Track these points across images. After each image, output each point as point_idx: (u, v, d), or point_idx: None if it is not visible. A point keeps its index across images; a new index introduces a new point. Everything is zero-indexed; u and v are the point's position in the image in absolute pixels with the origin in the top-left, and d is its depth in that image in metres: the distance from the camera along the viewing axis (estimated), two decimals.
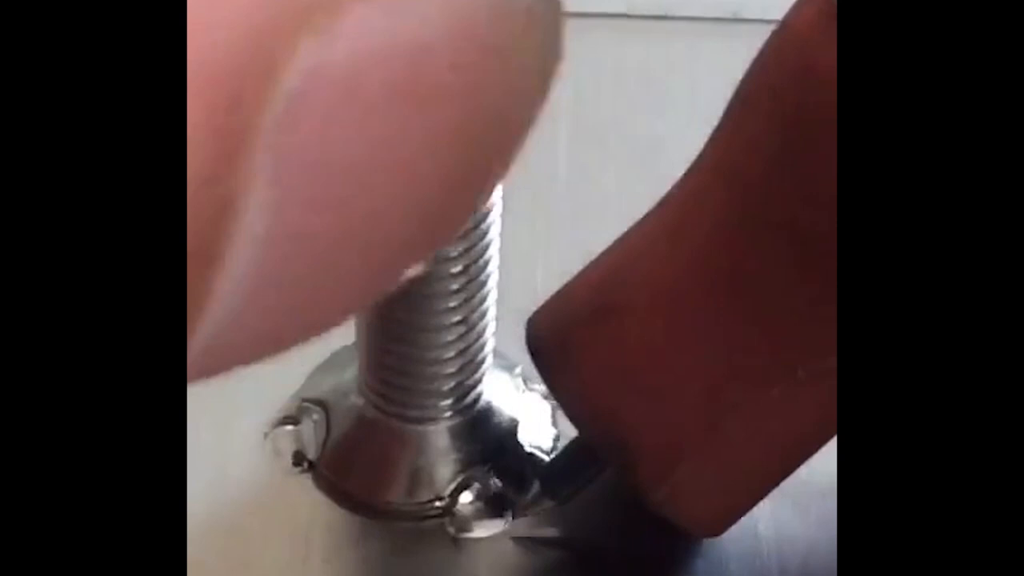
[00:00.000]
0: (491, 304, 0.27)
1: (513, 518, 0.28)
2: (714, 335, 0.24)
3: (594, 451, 0.26)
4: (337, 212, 0.12)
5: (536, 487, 0.28)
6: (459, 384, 0.27)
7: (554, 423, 0.30)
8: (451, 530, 0.28)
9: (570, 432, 0.29)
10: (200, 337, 0.11)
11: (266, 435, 0.29)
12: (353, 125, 0.11)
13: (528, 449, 0.29)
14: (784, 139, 0.23)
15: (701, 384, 0.24)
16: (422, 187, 0.12)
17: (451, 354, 0.27)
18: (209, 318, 0.11)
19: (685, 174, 0.25)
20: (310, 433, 0.29)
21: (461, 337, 0.27)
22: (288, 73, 0.11)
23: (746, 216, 0.23)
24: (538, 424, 0.29)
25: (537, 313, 0.27)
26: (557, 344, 0.26)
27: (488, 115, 0.12)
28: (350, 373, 0.29)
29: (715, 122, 0.24)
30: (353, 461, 0.29)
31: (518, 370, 0.30)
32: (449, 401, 0.28)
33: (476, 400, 0.28)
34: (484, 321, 0.27)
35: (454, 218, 0.13)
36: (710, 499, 0.26)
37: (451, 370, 0.27)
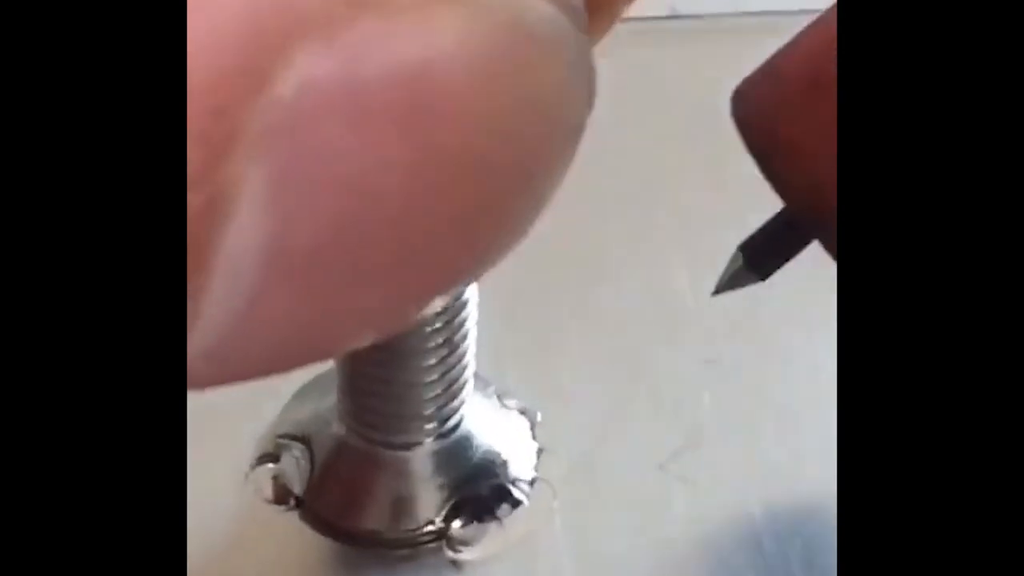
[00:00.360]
0: (472, 327, 0.27)
1: (714, 295, 0.28)
2: None
3: (798, 224, 0.26)
4: (337, 226, 0.11)
5: (739, 261, 0.27)
6: (442, 407, 0.27)
7: (534, 436, 0.30)
8: (449, 554, 0.28)
9: (552, 445, 0.29)
10: (197, 340, 0.11)
11: (247, 475, 0.29)
12: (352, 138, 0.11)
13: (512, 466, 0.29)
14: None
15: None
16: (429, 214, 0.12)
17: (434, 377, 0.27)
18: (204, 321, 0.11)
19: None
20: (293, 469, 0.28)
21: (443, 360, 0.26)
22: (281, 82, 0.11)
23: None
24: (519, 440, 0.29)
25: (745, 83, 0.26)
26: (766, 113, 0.25)
27: (504, 137, 0.12)
28: (329, 401, 0.28)
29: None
30: (337, 491, 0.28)
31: (492, 388, 0.30)
32: (432, 425, 0.27)
33: (459, 423, 0.28)
34: (465, 344, 0.27)
35: (473, 256, 0.13)
36: None
37: (434, 394, 0.27)
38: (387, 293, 0.12)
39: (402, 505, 0.28)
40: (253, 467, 0.29)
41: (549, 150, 0.13)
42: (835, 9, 0.25)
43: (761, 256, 0.27)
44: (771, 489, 0.29)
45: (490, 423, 0.29)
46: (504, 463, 0.29)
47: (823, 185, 0.25)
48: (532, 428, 0.30)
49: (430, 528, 0.28)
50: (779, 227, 0.27)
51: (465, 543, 0.28)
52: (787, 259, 0.27)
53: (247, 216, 0.11)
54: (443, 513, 0.28)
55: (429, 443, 0.28)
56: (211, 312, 0.11)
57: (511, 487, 0.29)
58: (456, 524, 0.28)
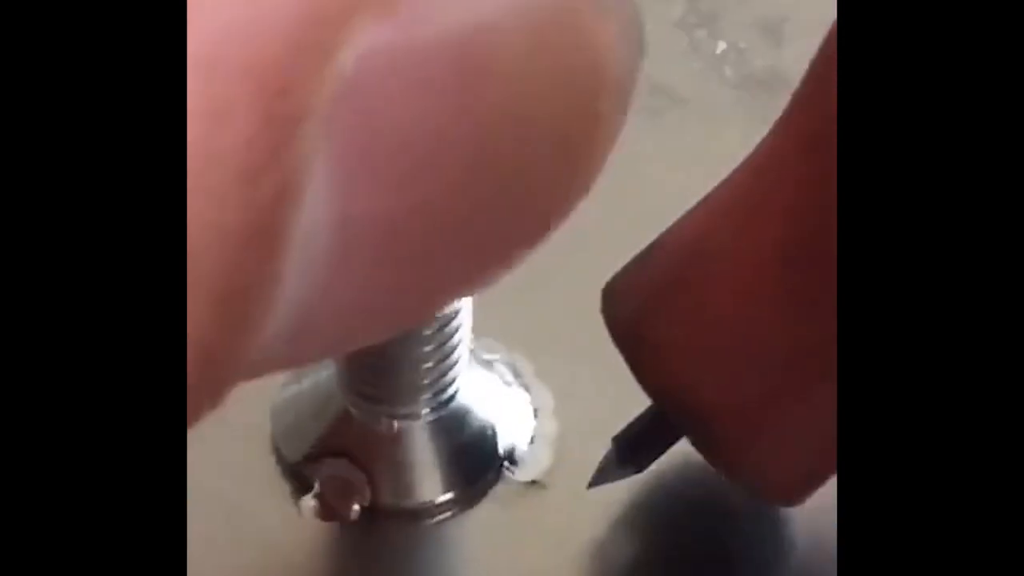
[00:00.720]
0: (468, 298, 0.27)
1: (589, 487, 0.28)
2: (796, 306, 0.24)
3: (669, 418, 0.26)
4: (402, 194, 0.11)
5: (613, 455, 0.28)
6: (438, 379, 0.28)
7: (535, 415, 0.30)
8: (430, 524, 0.28)
9: (550, 416, 0.29)
10: (277, 323, 0.11)
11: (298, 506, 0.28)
12: (412, 106, 0.11)
13: (507, 442, 0.29)
14: None
15: (783, 356, 0.24)
16: (494, 176, 0.12)
17: (430, 347, 0.27)
18: (281, 304, 0.11)
19: (761, 143, 0.25)
20: (336, 489, 0.28)
21: (439, 330, 0.27)
22: (343, 55, 0.11)
23: (829, 180, 0.23)
24: (515, 417, 0.30)
25: (612, 282, 0.26)
26: (633, 313, 0.26)
27: (559, 97, 0.12)
28: (329, 371, 0.29)
29: None
30: (320, 449, 0.28)
31: (490, 360, 0.30)
32: (428, 395, 0.28)
33: (455, 394, 0.28)
34: (461, 315, 0.27)
35: (542, 214, 0.13)
36: (790, 467, 0.26)
37: (430, 364, 0.27)
38: (459, 258, 0.13)
39: (401, 477, 0.28)
40: (297, 498, 0.28)
41: (604, 108, 0.12)
42: (700, 207, 0.25)
43: (634, 450, 0.28)
44: None
45: (487, 395, 0.29)
46: (500, 434, 0.29)
47: (689, 386, 0.25)
48: (533, 408, 0.30)
49: (428, 500, 0.28)
50: (651, 422, 0.27)
51: (450, 516, 0.28)
52: (661, 452, 0.28)
53: (317, 195, 0.11)
54: (432, 484, 0.28)
55: (426, 414, 0.28)
56: (287, 296, 0.11)
57: (504, 459, 0.29)
58: (452, 496, 0.28)
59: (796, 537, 0.29)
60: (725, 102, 0.35)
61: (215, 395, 0.11)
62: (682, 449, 0.27)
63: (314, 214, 0.11)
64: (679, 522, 0.29)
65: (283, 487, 0.29)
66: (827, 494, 0.26)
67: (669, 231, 0.26)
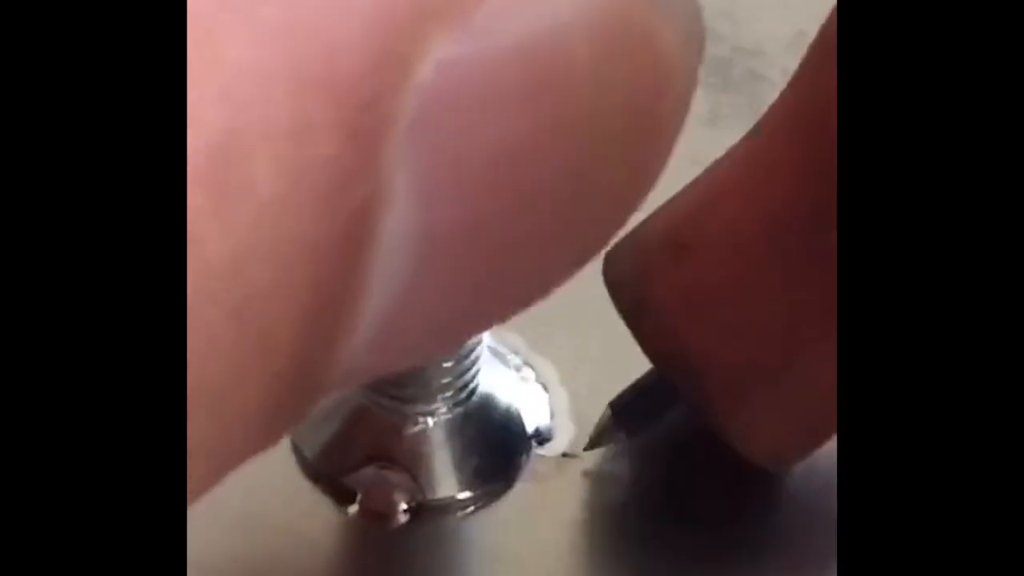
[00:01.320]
0: None
1: (586, 450, 0.29)
2: (788, 272, 0.25)
3: (667, 384, 0.27)
4: (480, 203, 0.12)
5: (608, 419, 0.28)
6: (458, 376, 0.28)
7: (550, 414, 0.30)
8: (450, 522, 0.28)
9: (569, 414, 0.30)
10: (362, 334, 0.11)
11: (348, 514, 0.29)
12: (490, 118, 0.11)
13: (532, 422, 0.29)
14: None
15: (777, 320, 0.25)
16: (568, 177, 0.12)
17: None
18: (368, 312, 0.11)
19: (764, 116, 0.26)
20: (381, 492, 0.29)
21: None
22: (421, 68, 0.11)
23: (825, 161, 0.24)
24: (533, 414, 0.30)
25: (613, 250, 0.27)
26: (633, 277, 0.26)
27: (626, 100, 0.12)
28: None
29: None
30: (350, 456, 0.29)
31: (508, 356, 0.30)
32: (449, 392, 0.28)
33: (475, 390, 0.28)
34: None
35: (610, 213, 0.13)
36: (781, 433, 0.27)
37: (450, 362, 0.27)
38: (531, 265, 0.13)
39: (435, 473, 0.28)
40: (343, 509, 0.29)
41: (667, 111, 0.13)
42: (702, 178, 0.26)
43: (630, 415, 0.28)
44: None
45: (507, 391, 0.30)
46: (521, 431, 0.29)
47: (686, 348, 0.26)
48: (550, 403, 0.30)
49: (447, 496, 0.28)
50: (648, 386, 0.28)
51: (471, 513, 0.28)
52: (657, 418, 0.28)
53: (400, 206, 0.11)
54: (453, 481, 0.28)
55: (444, 412, 0.28)
56: (372, 307, 0.11)
57: (522, 456, 0.29)
58: (472, 493, 0.29)
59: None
60: None
61: (303, 408, 0.12)
62: None
63: (397, 225, 0.11)
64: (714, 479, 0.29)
65: (306, 487, 0.29)
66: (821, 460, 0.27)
67: (671, 199, 0.26)
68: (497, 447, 0.29)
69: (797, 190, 0.24)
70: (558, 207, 0.12)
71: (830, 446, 0.27)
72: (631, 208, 0.13)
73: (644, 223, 0.27)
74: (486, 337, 0.28)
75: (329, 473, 0.29)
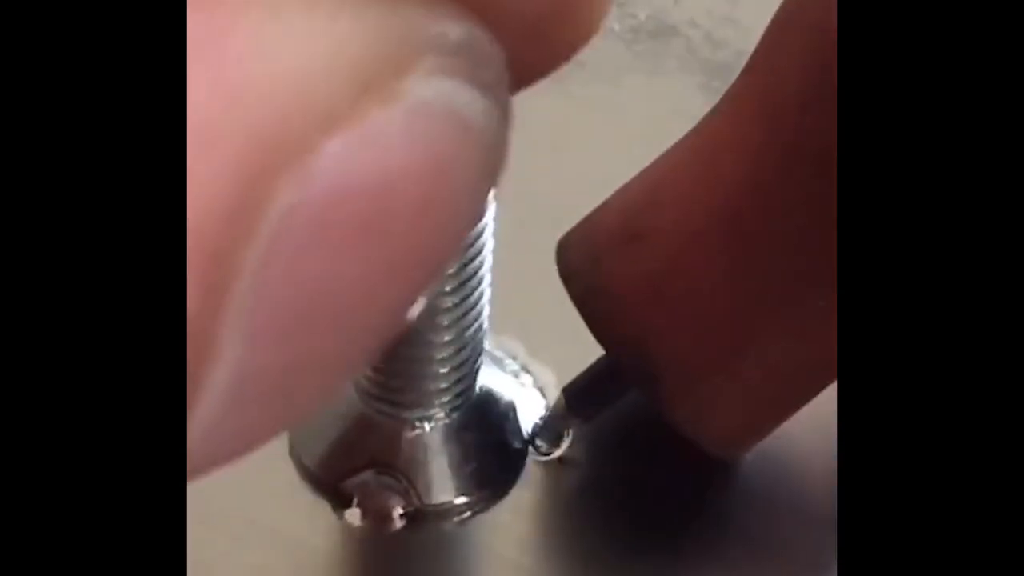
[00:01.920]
0: (485, 302, 0.27)
1: (535, 436, 0.29)
2: (742, 260, 0.25)
3: (619, 370, 0.27)
4: (302, 339, 0.12)
5: (560, 406, 0.28)
6: (456, 381, 0.28)
7: (543, 394, 0.30)
8: (447, 527, 0.28)
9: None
10: (190, 441, 0.12)
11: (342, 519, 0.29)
12: (323, 259, 0.11)
13: (529, 426, 0.29)
14: (818, 71, 0.23)
15: (727, 307, 0.25)
16: (383, 301, 0.12)
17: (446, 353, 0.27)
18: (190, 430, 0.12)
19: (719, 102, 0.26)
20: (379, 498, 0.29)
21: (457, 336, 0.27)
22: (268, 216, 0.11)
23: (778, 145, 0.24)
24: (530, 419, 0.30)
25: (568, 235, 0.27)
26: (587, 264, 0.26)
27: (444, 231, 0.12)
28: None
29: None
30: (348, 461, 0.29)
31: (506, 362, 0.30)
32: (447, 398, 0.28)
33: (469, 398, 0.28)
34: (479, 317, 0.27)
35: (412, 307, 0.13)
36: (732, 419, 0.27)
37: (448, 368, 0.27)
38: (343, 364, 0.13)
39: (433, 478, 0.28)
40: (341, 515, 0.29)
41: (471, 217, 0.13)
42: (654, 165, 0.26)
43: (582, 400, 0.28)
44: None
45: (505, 396, 0.30)
46: (519, 436, 0.29)
47: (639, 336, 0.26)
48: (546, 407, 0.30)
49: (444, 502, 0.28)
50: (600, 372, 0.28)
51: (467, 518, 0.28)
52: (609, 404, 0.28)
53: (228, 343, 0.11)
54: (457, 487, 0.28)
55: (442, 417, 0.28)
56: (196, 421, 0.12)
57: (519, 461, 0.29)
58: (469, 498, 0.28)
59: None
60: (621, 57, 0.36)
61: None
62: None
63: (225, 362, 0.11)
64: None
65: (303, 492, 0.29)
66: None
67: (624, 186, 0.27)
68: (495, 452, 0.29)
69: (748, 172, 0.25)
70: (365, 317, 0.12)
71: (782, 432, 0.27)
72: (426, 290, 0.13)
73: (597, 210, 0.27)
74: (485, 342, 0.28)
75: (327, 478, 0.29)
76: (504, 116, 0.12)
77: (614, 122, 0.35)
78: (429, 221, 0.12)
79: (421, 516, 0.28)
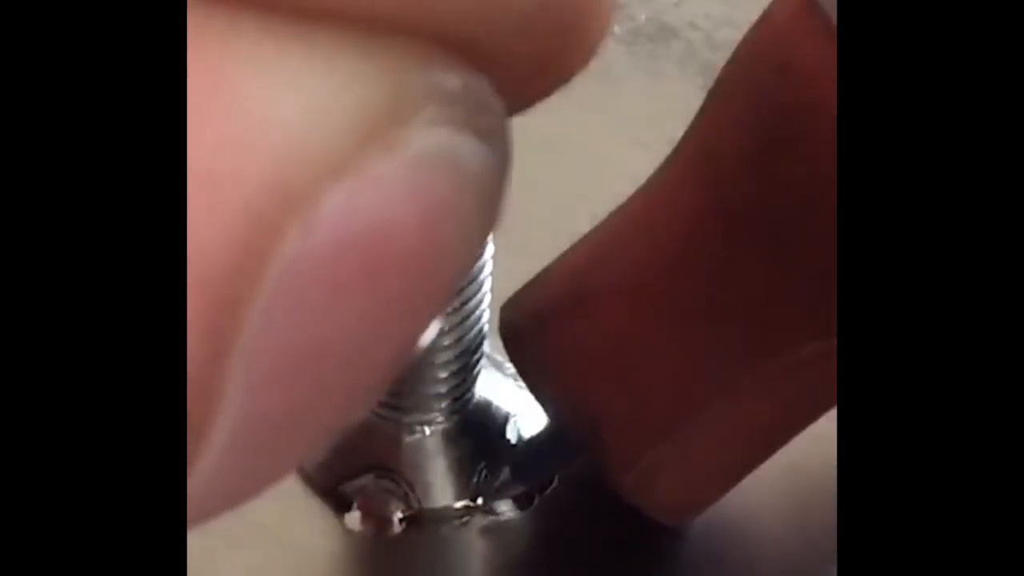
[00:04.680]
0: (486, 305, 0.27)
1: (483, 503, 0.28)
2: (686, 325, 0.24)
3: (565, 438, 0.27)
4: (301, 386, 0.12)
5: (507, 473, 0.28)
6: (456, 386, 0.28)
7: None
8: (446, 531, 0.28)
9: None
10: (191, 485, 0.12)
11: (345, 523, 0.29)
12: (326, 307, 0.12)
13: (527, 430, 0.29)
14: (761, 132, 0.23)
15: (672, 373, 0.25)
16: (383, 344, 0.12)
17: (447, 357, 0.27)
18: (192, 477, 0.12)
19: (662, 164, 0.25)
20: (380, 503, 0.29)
21: (457, 340, 0.27)
22: (274, 265, 0.11)
23: (720, 206, 0.24)
24: (530, 420, 0.30)
25: (511, 300, 0.27)
26: (530, 330, 0.26)
27: (443, 274, 0.12)
28: None
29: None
30: (348, 465, 0.29)
31: (511, 368, 0.30)
32: (447, 403, 0.28)
33: (469, 402, 0.28)
34: (479, 323, 0.27)
35: (413, 347, 0.13)
36: (678, 488, 0.26)
37: (448, 372, 0.27)
38: (343, 408, 0.13)
39: (433, 482, 0.28)
40: (341, 518, 0.29)
41: (470, 259, 0.13)
42: (599, 228, 0.26)
43: (529, 468, 0.28)
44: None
45: (502, 400, 0.29)
46: (518, 440, 0.29)
47: (583, 401, 0.26)
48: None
49: (443, 505, 0.28)
50: (546, 440, 0.28)
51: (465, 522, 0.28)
52: (555, 471, 0.28)
53: (230, 393, 0.11)
54: (449, 491, 0.28)
55: (442, 421, 0.28)
56: (198, 468, 0.12)
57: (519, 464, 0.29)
58: (468, 502, 0.28)
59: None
60: (621, 59, 0.36)
61: None
62: None
63: (226, 411, 0.11)
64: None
65: (303, 496, 0.29)
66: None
67: (567, 252, 0.26)
68: (494, 457, 0.29)
69: (690, 235, 0.24)
70: (366, 359, 0.12)
71: (728, 500, 0.27)
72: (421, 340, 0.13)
73: (541, 275, 0.26)
74: (485, 346, 0.28)
75: (327, 482, 0.29)
76: (503, 162, 0.12)
77: (614, 123, 0.35)
78: (429, 266, 0.12)
79: (420, 520, 0.28)
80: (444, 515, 0.28)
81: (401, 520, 0.28)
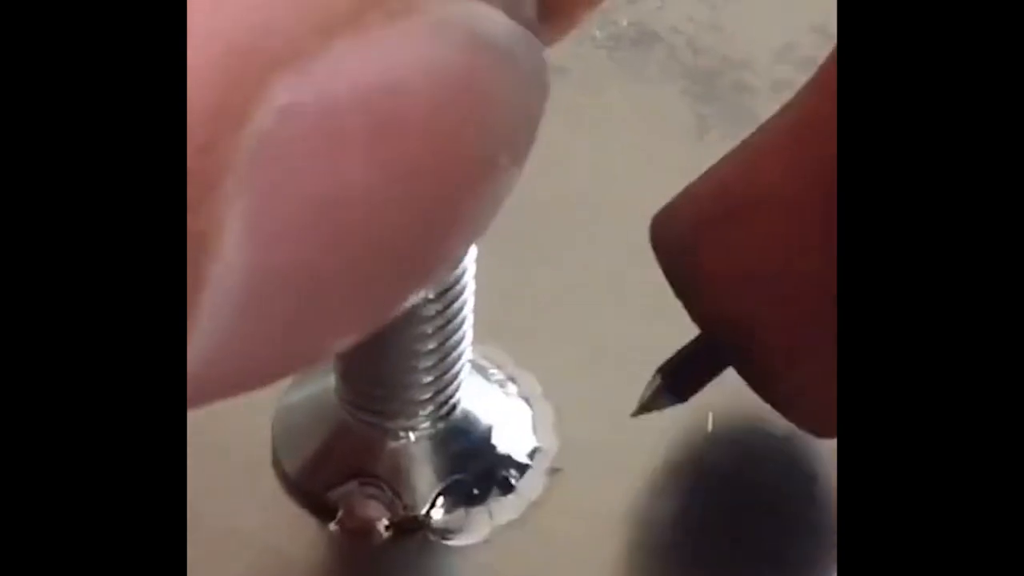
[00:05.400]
0: (468, 309, 0.27)
1: (633, 415, 0.28)
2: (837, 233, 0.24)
3: (716, 348, 0.27)
4: (311, 245, 0.12)
5: (659, 384, 0.28)
6: (439, 391, 0.28)
7: (533, 428, 0.30)
8: (432, 538, 0.28)
9: (551, 428, 0.30)
10: (194, 347, 0.12)
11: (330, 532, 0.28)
12: (327, 162, 0.12)
13: (503, 452, 0.29)
14: None
15: (825, 282, 0.24)
16: (397, 222, 0.12)
17: (430, 363, 0.27)
18: (199, 332, 0.12)
19: (813, 76, 0.25)
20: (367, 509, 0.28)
21: (440, 345, 0.27)
22: (260, 113, 0.11)
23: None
24: (516, 429, 0.30)
25: (662, 213, 0.27)
26: (683, 244, 0.26)
27: (467, 152, 0.12)
28: (328, 382, 0.29)
29: None
30: (331, 471, 0.29)
31: (490, 371, 0.30)
32: (429, 408, 0.28)
33: (455, 406, 0.28)
34: (462, 327, 0.27)
35: (438, 256, 0.13)
36: (829, 397, 0.26)
37: (430, 378, 0.27)
38: (362, 298, 0.13)
39: (393, 488, 0.28)
40: (325, 525, 0.28)
41: (501, 160, 0.13)
42: (749, 139, 0.26)
43: (679, 379, 0.28)
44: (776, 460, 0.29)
45: (487, 406, 0.29)
46: (500, 447, 0.29)
47: (734, 315, 0.26)
48: (532, 418, 0.30)
49: (418, 514, 0.28)
50: (697, 351, 0.28)
51: (452, 530, 0.28)
52: (705, 383, 0.28)
53: (232, 242, 0.11)
54: (430, 497, 0.28)
55: (426, 427, 0.28)
56: (204, 324, 0.12)
57: (505, 471, 0.29)
58: (445, 510, 0.28)
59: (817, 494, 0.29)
60: (603, 64, 0.36)
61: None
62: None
63: (228, 258, 0.11)
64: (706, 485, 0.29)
65: (287, 504, 0.29)
66: None
67: (719, 164, 0.27)
68: (479, 462, 0.29)
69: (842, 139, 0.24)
70: (387, 248, 0.12)
71: None
72: (459, 248, 0.13)
73: (691, 187, 0.27)
74: (468, 351, 0.28)
75: (311, 489, 0.28)
76: (534, 43, 0.12)
77: (596, 129, 0.35)
78: (444, 143, 0.12)
79: (405, 526, 0.28)
80: (429, 522, 0.28)
81: (387, 527, 0.28)
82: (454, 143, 0.12)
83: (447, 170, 0.12)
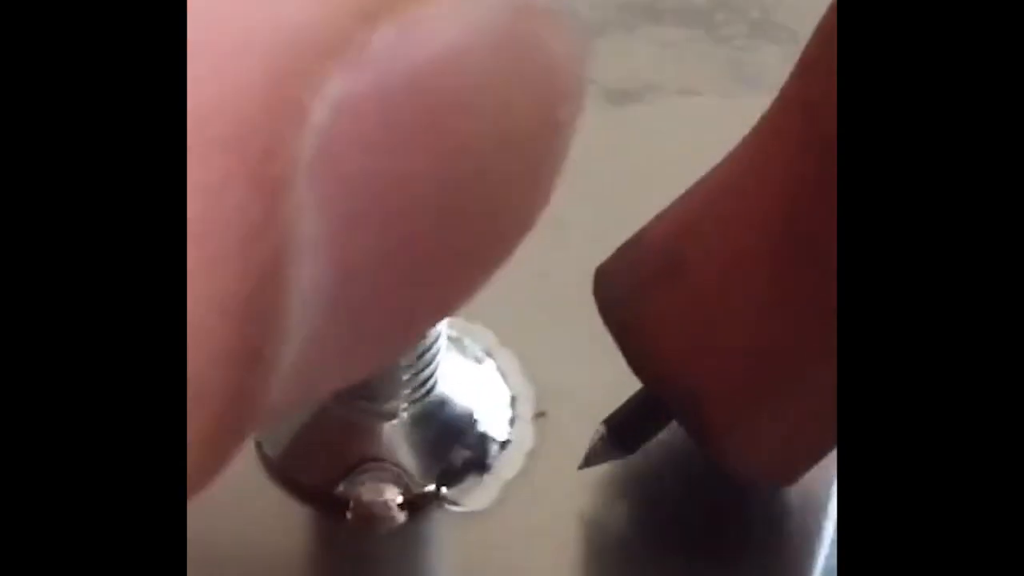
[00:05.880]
0: None
1: (580, 468, 0.28)
2: (787, 290, 0.24)
3: (661, 404, 0.26)
4: (386, 233, 0.12)
5: (603, 437, 0.28)
6: (417, 372, 0.28)
7: (511, 405, 0.30)
8: (449, 507, 0.28)
9: (528, 405, 0.30)
10: (287, 366, 0.11)
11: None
12: (389, 149, 0.11)
13: (483, 431, 0.29)
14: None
15: (771, 339, 0.24)
16: (464, 196, 0.12)
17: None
18: (289, 350, 0.11)
19: (755, 126, 0.25)
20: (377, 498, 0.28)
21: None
22: (317, 110, 0.11)
23: (818, 165, 0.23)
24: (494, 405, 0.30)
25: (606, 265, 0.27)
26: (626, 296, 0.26)
27: (524, 114, 0.12)
28: None
29: None
30: (312, 454, 0.29)
31: (468, 347, 0.30)
32: (408, 390, 0.28)
33: (434, 386, 0.28)
34: None
35: (510, 222, 0.13)
36: (777, 453, 0.26)
37: (408, 360, 0.27)
38: (442, 280, 0.13)
39: (373, 469, 0.28)
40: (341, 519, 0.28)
41: (562, 117, 0.13)
42: (694, 190, 0.26)
43: (625, 433, 0.28)
44: None
45: (466, 384, 0.29)
46: (478, 424, 0.29)
47: (674, 368, 0.25)
48: (508, 388, 0.30)
49: (399, 496, 0.28)
50: (642, 404, 0.27)
51: (460, 500, 0.29)
52: (651, 436, 0.28)
53: (310, 247, 0.11)
54: (410, 477, 0.28)
55: (405, 407, 0.28)
56: (290, 347, 0.11)
57: (483, 450, 0.29)
58: (452, 480, 0.29)
59: (790, 501, 0.29)
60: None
61: (223, 459, 0.12)
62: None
63: (310, 268, 0.11)
64: (670, 488, 0.29)
65: (271, 488, 0.29)
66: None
67: (660, 215, 0.26)
68: (458, 441, 0.29)
69: (791, 192, 0.24)
70: (462, 226, 0.12)
71: (826, 464, 0.27)
72: (533, 219, 0.13)
73: (636, 237, 0.26)
74: (444, 328, 0.28)
75: (318, 486, 0.29)
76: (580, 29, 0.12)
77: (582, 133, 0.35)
78: (503, 97, 0.12)
79: (417, 504, 0.28)
80: (438, 496, 0.28)
81: (400, 506, 0.28)
82: (514, 108, 0.12)
83: (510, 138, 0.12)
